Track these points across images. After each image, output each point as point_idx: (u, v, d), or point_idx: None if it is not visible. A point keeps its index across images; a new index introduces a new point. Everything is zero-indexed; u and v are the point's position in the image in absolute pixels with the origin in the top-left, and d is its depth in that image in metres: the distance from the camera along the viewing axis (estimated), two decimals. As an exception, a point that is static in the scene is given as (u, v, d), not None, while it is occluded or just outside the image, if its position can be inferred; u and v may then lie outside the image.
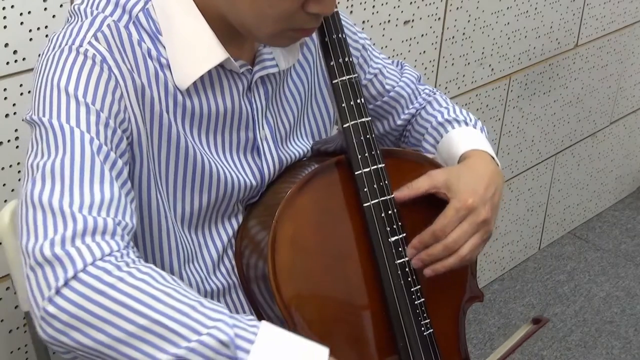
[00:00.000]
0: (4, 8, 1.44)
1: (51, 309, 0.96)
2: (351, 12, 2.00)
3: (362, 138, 1.22)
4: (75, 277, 0.96)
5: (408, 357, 1.23)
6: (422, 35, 2.23)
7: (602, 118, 3.17)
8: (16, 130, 1.52)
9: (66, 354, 1.02)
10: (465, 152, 1.33)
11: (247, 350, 0.97)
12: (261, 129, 1.25)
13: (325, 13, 1.13)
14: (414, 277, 1.23)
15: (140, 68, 1.12)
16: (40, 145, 1.06)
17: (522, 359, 2.58)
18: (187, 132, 1.17)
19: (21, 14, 1.46)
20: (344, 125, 1.22)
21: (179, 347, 0.95)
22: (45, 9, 1.49)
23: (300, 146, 1.32)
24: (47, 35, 1.49)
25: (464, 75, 2.43)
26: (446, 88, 2.38)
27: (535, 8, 2.57)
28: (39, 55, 1.13)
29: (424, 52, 2.26)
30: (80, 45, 1.09)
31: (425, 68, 2.29)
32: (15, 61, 1.48)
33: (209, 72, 1.16)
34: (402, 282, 1.22)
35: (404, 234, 1.23)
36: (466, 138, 1.36)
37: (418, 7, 2.17)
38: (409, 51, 2.21)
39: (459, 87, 2.43)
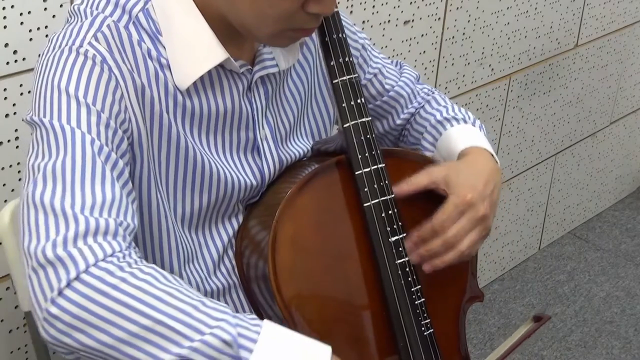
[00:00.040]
0: (4, 8, 1.44)
1: (54, 310, 0.96)
2: (351, 12, 2.00)
3: (362, 138, 1.22)
4: (77, 278, 0.96)
5: (408, 357, 1.23)
6: (422, 35, 2.23)
7: (602, 118, 3.17)
8: (16, 130, 1.52)
9: (69, 354, 1.03)
10: (464, 149, 1.33)
11: (250, 349, 0.97)
12: (261, 129, 1.25)
13: (326, 13, 1.13)
14: (415, 277, 1.23)
15: (140, 68, 1.12)
16: (41, 146, 1.05)
17: (522, 359, 2.58)
18: (187, 132, 1.17)
19: (21, 14, 1.46)
20: (344, 125, 1.22)
21: (181, 347, 0.95)
22: (45, 9, 1.49)
23: (300, 146, 1.32)
24: (47, 35, 1.49)
25: (464, 75, 2.42)
26: (446, 88, 2.38)
27: (535, 8, 2.57)
28: (39, 55, 1.13)
29: (424, 52, 2.26)
30: (81, 46, 1.09)
31: (425, 68, 2.29)
32: (15, 61, 1.48)
33: (209, 72, 1.16)
34: (403, 282, 1.22)
35: (404, 234, 1.23)
36: (465, 135, 1.36)
37: (418, 7, 2.17)
38: (409, 51, 2.21)
39: (459, 87, 2.43)
